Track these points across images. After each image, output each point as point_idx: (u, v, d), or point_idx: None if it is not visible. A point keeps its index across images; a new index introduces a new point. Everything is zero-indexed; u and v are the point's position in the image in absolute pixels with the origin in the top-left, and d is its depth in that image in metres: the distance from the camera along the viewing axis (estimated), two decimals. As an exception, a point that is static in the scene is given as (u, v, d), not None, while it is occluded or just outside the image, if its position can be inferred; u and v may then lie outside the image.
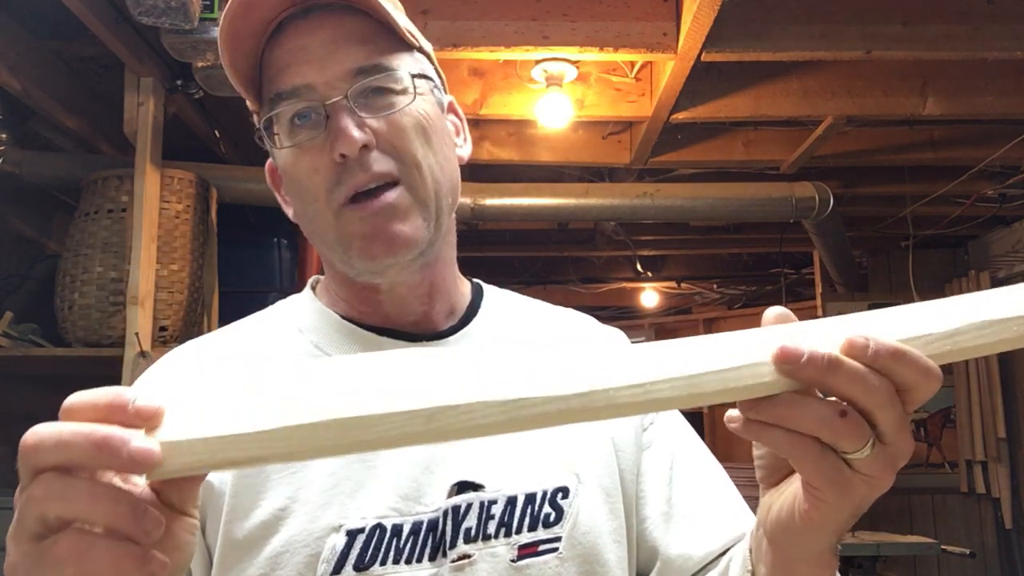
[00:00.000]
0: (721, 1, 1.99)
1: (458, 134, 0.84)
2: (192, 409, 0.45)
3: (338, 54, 0.72)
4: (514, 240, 4.97)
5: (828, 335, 0.48)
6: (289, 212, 0.80)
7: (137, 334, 2.18)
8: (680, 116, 2.85)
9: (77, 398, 0.45)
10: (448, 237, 0.80)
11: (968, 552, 3.61)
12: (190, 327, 2.46)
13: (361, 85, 0.72)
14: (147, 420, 0.44)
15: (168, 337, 2.37)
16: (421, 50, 0.79)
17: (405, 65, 0.75)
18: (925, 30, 2.32)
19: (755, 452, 0.58)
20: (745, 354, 0.48)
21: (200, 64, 2.04)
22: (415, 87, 0.74)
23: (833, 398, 0.48)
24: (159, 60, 2.26)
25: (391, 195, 0.71)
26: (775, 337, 0.48)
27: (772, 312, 0.51)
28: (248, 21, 0.71)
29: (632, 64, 2.81)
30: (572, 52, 2.40)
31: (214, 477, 0.69)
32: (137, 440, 0.43)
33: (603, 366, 0.48)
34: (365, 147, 0.70)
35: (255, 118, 0.77)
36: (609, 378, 0.47)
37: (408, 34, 0.76)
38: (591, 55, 2.42)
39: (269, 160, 0.80)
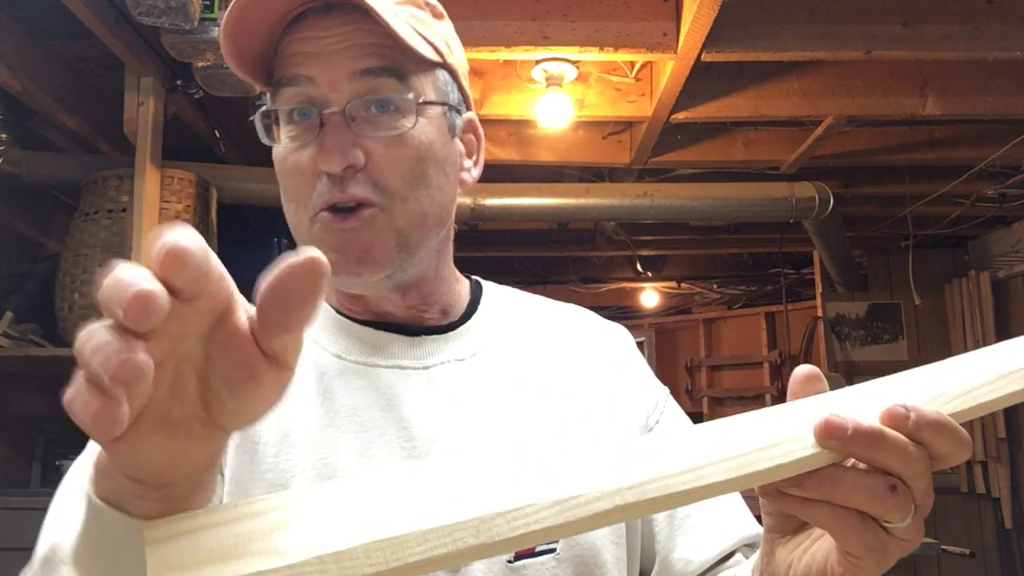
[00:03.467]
0: (721, 1, 1.99)
1: (471, 155, 0.81)
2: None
3: (348, 52, 0.69)
4: (514, 240, 4.97)
5: (860, 405, 0.48)
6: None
7: (137, 334, 2.18)
8: (680, 116, 2.85)
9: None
10: (438, 257, 0.78)
11: (968, 552, 3.61)
12: (190, 327, 2.45)
13: (363, 98, 0.69)
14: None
15: (168, 337, 2.37)
16: (447, 65, 0.75)
17: (419, 83, 0.71)
18: (925, 30, 2.32)
19: (762, 501, 0.57)
20: (788, 428, 0.47)
21: (200, 64, 2.04)
22: (419, 111, 0.70)
23: (863, 466, 0.48)
24: (159, 60, 2.26)
25: (366, 213, 0.69)
26: (813, 410, 0.48)
27: (801, 371, 0.51)
28: (260, 12, 0.69)
29: (632, 64, 2.81)
30: (572, 52, 2.40)
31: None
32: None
33: (649, 454, 0.46)
34: (350, 167, 0.68)
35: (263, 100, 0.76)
36: (660, 466, 0.45)
37: (433, 49, 0.73)
38: (591, 55, 2.42)
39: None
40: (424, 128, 0.71)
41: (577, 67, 2.65)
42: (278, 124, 0.72)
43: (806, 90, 2.81)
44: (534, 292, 0.90)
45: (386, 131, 0.69)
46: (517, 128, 3.29)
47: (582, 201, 3.42)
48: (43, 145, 2.81)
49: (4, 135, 2.53)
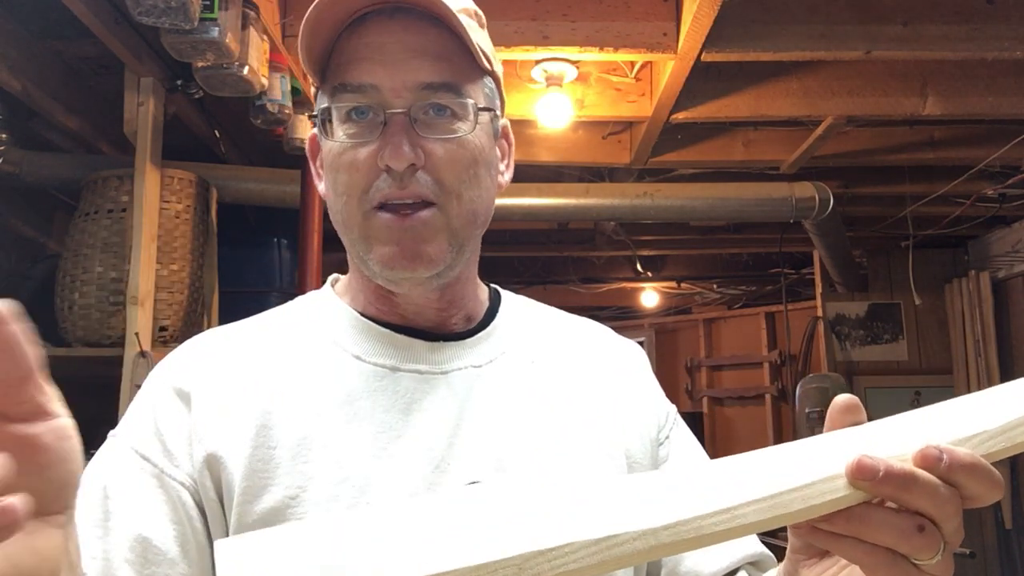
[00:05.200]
0: (721, 1, 1.99)
1: (503, 159, 0.84)
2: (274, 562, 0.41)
3: (412, 63, 0.72)
4: (514, 240, 4.97)
5: (894, 441, 0.48)
6: (320, 187, 0.81)
7: (137, 334, 2.18)
8: (680, 116, 2.85)
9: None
10: (472, 257, 0.82)
11: (968, 552, 3.60)
12: (190, 327, 2.45)
13: (426, 102, 0.72)
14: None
15: (168, 337, 2.37)
16: (492, 73, 0.79)
17: (474, 92, 0.75)
18: (925, 30, 2.32)
19: (791, 532, 0.58)
20: (820, 467, 0.48)
21: (200, 64, 2.03)
22: (477, 118, 0.74)
23: (894, 505, 0.49)
24: (159, 60, 2.26)
25: (425, 214, 0.72)
26: (846, 446, 0.49)
27: (841, 401, 0.52)
28: (335, 11, 0.72)
29: (632, 64, 2.81)
30: (572, 52, 2.40)
31: (226, 455, 0.69)
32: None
33: (684, 492, 0.47)
34: (412, 165, 0.71)
35: (314, 93, 0.78)
36: (695, 506, 0.46)
37: (484, 58, 0.76)
38: (591, 55, 2.42)
39: (313, 131, 0.82)
40: (478, 133, 0.75)
41: (577, 67, 2.65)
42: (331, 121, 0.74)
43: (806, 90, 2.81)
44: (534, 292, 0.92)
45: (445, 134, 0.73)
46: (517, 128, 3.28)
47: (582, 201, 3.42)
48: (43, 145, 2.81)
49: (4, 135, 2.53)
